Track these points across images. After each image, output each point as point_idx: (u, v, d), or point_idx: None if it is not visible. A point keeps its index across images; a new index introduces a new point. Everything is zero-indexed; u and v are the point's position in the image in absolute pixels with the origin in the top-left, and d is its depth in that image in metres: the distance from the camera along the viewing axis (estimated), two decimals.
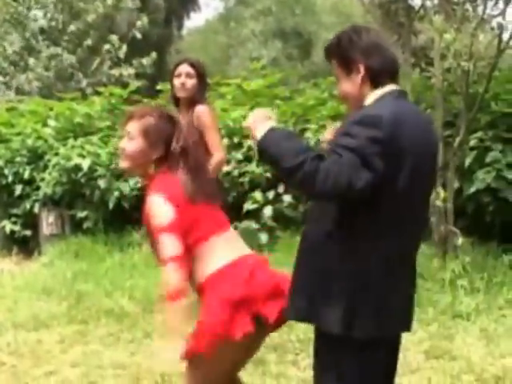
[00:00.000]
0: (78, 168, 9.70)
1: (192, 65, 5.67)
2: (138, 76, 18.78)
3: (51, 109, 11.58)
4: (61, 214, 10.10)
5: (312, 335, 5.64)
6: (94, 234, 9.72)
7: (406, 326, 3.03)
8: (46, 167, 10.29)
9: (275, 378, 5.13)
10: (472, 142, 7.65)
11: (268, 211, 8.56)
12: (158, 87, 10.51)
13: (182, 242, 3.15)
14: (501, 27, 7.75)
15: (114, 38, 19.07)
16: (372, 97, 2.99)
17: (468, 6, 7.86)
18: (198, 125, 5.59)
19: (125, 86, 15.71)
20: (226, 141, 8.54)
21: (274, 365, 5.37)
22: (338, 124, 3.39)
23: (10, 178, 10.50)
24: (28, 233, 10.53)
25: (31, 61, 17.98)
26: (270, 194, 8.59)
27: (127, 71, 18.86)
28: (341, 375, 2.94)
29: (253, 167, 8.61)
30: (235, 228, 8.21)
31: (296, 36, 33.59)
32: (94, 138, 10.24)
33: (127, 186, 9.48)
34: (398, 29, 8.40)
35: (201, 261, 3.28)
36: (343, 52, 3.04)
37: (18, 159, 10.56)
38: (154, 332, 6.05)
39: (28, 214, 10.42)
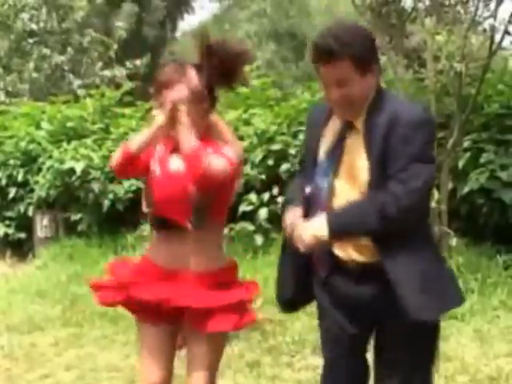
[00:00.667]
0: (71, 171, 9.69)
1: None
2: (130, 77, 18.71)
3: (44, 112, 11.57)
4: (55, 217, 10.09)
5: (307, 337, 5.67)
6: (88, 236, 9.72)
7: None
8: (39, 170, 10.28)
9: (270, 380, 5.14)
10: (466, 144, 7.66)
11: (263, 213, 8.56)
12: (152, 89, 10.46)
13: None
14: (492, 29, 7.77)
15: (104, 38, 19.04)
16: (371, 98, 2.92)
17: (459, 7, 7.87)
18: None
19: (118, 86, 15.72)
20: None
21: (269, 367, 5.38)
22: None
23: (4, 181, 10.50)
24: (22, 235, 10.52)
25: (21, 63, 17.93)
26: (265, 196, 8.59)
27: (120, 72, 18.79)
28: (433, 357, 3.09)
29: (247, 170, 8.61)
30: (231, 230, 8.26)
31: (290, 38, 33.58)
32: (88, 141, 10.23)
33: (121, 189, 9.48)
34: (390, 31, 8.40)
35: None
36: (360, 51, 2.81)
37: (11, 162, 10.55)
38: None
39: (22, 216, 10.41)
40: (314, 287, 3.17)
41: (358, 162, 2.89)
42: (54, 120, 11.08)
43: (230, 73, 3.31)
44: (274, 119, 9.10)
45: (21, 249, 10.45)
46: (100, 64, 18.75)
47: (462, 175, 7.60)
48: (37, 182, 10.20)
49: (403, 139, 2.79)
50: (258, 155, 8.74)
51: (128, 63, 19.23)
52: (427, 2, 8.07)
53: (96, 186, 9.58)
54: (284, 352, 5.67)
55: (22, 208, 10.40)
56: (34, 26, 18.61)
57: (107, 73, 18.60)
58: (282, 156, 8.78)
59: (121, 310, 6.74)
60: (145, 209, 3.45)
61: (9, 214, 10.58)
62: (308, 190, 3.03)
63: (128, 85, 13.58)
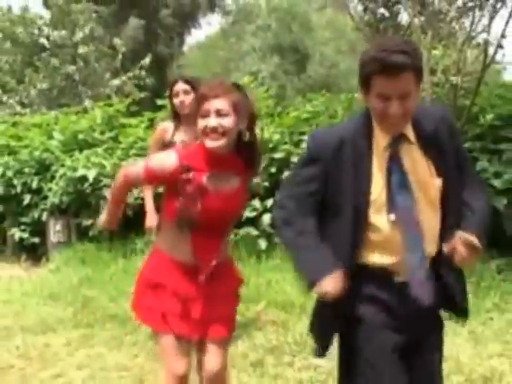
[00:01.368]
0: (84, 178, 9.71)
1: (187, 82, 5.59)
2: (140, 87, 18.73)
3: (56, 122, 11.61)
4: (67, 223, 10.10)
5: (308, 338, 5.66)
6: (99, 241, 9.72)
7: None
8: (53, 178, 10.30)
9: (273, 379, 5.13)
10: None
11: (266, 218, 8.55)
12: (159, 102, 10.49)
13: None
14: (486, 43, 7.78)
15: (107, 50, 19.09)
16: None
17: (454, 23, 7.89)
18: None
19: (127, 96, 15.75)
20: None
21: (272, 366, 5.36)
22: None
23: (19, 188, 10.51)
24: (36, 240, 10.53)
25: (33, 75, 17.97)
26: (269, 203, 8.57)
27: (127, 80, 18.77)
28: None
29: None
30: (235, 234, 8.26)
31: (293, 51, 33.65)
32: (99, 150, 10.25)
33: (131, 196, 9.48)
34: None
35: None
36: (420, 65, 2.77)
37: (26, 170, 10.57)
38: None
39: (36, 222, 10.43)
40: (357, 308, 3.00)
41: (424, 174, 2.88)
42: (65, 130, 11.10)
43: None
44: (275, 128, 9.10)
45: (35, 253, 10.46)
46: (108, 74, 18.77)
47: None
48: (50, 189, 10.21)
49: (456, 136, 2.97)
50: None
51: (134, 70, 19.22)
52: (422, 18, 8.09)
53: (107, 193, 9.58)
54: (286, 352, 5.66)
55: (36, 214, 10.41)
56: (44, 41, 18.70)
57: (116, 82, 18.61)
58: (284, 164, 8.78)
59: (129, 312, 6.77)
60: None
61: (24, 219, 10.59)
62: (392, 217, 2.86)
63: (136, 95, 13.58)
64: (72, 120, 11.35)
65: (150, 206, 5.76)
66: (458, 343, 5.63)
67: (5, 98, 17.70)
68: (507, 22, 7.70)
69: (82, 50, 18.38)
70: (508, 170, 7.40)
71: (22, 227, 10.61)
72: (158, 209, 6.00)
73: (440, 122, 2.90)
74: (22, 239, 10.55)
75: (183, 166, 3.33)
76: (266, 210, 8.58)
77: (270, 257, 8.16)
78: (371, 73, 2.75)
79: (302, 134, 9.06)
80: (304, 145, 8.70)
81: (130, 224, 9.47)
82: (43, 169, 10.57)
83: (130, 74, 18.69)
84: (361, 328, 2.98)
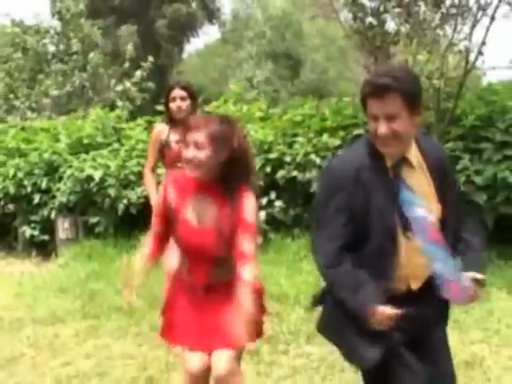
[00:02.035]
0: (90, 178, 9.71)
1: (183, 88, 5.62)
2: (142, 91, 18.78)
3: (62, 127, 11.66)
4: (75, 220, 10.10)
5: (302, 327, 5.70)
6: (105, 237, 9.73)
7: None
8: (61, 178, 10.30)
9: (268, 366, 5.15)
10: None
11: (261, 216, 8.58)
12: (159, 108, 10.50)
13: None
14: (467, 50, 7.81)
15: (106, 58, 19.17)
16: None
17: (438, 31, 7.91)
18: None
19: (131, 100, 15.77)
20: None
21: (268, 354, 5.39)
22: None
23: (29, 189, 10.50)
24: (46, 237, 10.52)
25: (43, 82, 17.98)
26: (263, 201, 8.60)
27: (131, 86, 18.82)
28: None
29: None
30: None
31: (286, 58, 33.68)
32: (104, 152, 10.26)
33: (134, 194, 9.49)
34: (375, 52, 8.44)
35: None
36: (413, 90, 2.80)
37: (36, 171, 10.56)
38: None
39: (46, 220, 10.42)
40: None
41: (428, 196, 2.94)
42: (71, 134, 11.12)
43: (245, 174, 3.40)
44: (270, 131, 9.12)
45: (45, 249, 10.45)
46: (113, 80, 18.79)
47: None
48: (58, 189, 10.21)
49: (449, 169, 3.06)
50: (256, 163, 8.76)
51: (136, 73, 19.22)
52: (408, 26, 8.12)
53: (112, 192, 9.59)
54: (281, 341, 5.68)
55: (45, 212, 10.40)
56: (53, 49, 18.71)
57: (120, 87, 18.63)
58: (278, 164, 8.80)
59: (134, 304, 6.79)
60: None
61: (34, 217, 10.58)
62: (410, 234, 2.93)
63: (139, 97, 13.57)
64: (77, 124, 11.39)
65: (153, 198, 5.71)
66: None
67: (17, 103, 17.68)
68: (487, 31, 7.73)
69: (91, 56, 18.42)
70: (488, 168, 7.44)
71: (32, 225, 10.60)
72: None
73: (443, 153, 3.03)
74: (32, 236, 10.54)
75: (169, 188, 3.44)
76: (261, 208, 8.59)
77: (264, 251, 8.17)
78: (364, 95, 2.82)
79: (295, 135, 9.08)
80: (297, 146, 8.73)
81: (134, 221, 9.50)
82: (52, 170, 10.56)
83: (134, 80, 18.70)
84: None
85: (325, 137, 8.68)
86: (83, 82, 18.14)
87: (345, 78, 29.33)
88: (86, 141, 10.75)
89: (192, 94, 5.62)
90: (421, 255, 2.89)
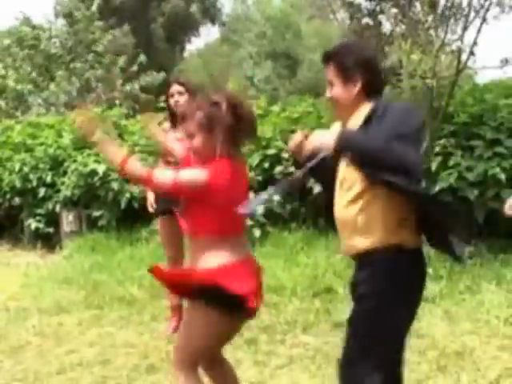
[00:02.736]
0: (93, 172, 9.72)
1: (181, 83, 5.61)
2: (145, 90, 18.82)
3: (67, 123, 11.69)
4: (79, 214, 10.11)
5: (298, 318, 5.72)
6: (108, 230, 9.74)
7: None
8: (65, 173, 10.30)
9: (266, 355, 5.16)
10: (437, 149, 7.70)
11: (260, 210, 8.58)
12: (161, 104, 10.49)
13: None
14: (459, 50, 7.81)
15: (122, 59, 19.12)
16: (367, 108, 2.97)
17: (431, 31, 7.91)
18: None
19: (135, 100, 15.78)
20: None
21: (265, 344, 5.41)
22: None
23: (35, 183, 10.51)
24: (50, 230, 10.53)
25: (57, 75, 17.99)
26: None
27: (138, 85, 18.88)
28: None
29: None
30: None
31: (285, 57, 33.66)
32: None
33: (137, 188, 9.50)
34: None
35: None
36: (343, 61, 2.98)
37: (41, 166, 10.56)
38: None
39: (50, 213, 10.42)
40: None
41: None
42: (75, 130, 11.14)
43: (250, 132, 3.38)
44: (268, 127, 9.11)
45: (49, 241, 10.46)
46: (121, 81, 18.83)
47: (433, 176, 7.63)
48: (63, 183, 10.21)
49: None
50: (255, 159, 8.76)
51: (147, 78, 19.26)
52: (403, 27, 8.12)
53: (115, 186, 9.60)
54: (278, 331, 5.69)
55: (50, 206, 10.41)
56: (59, 51, 18.74)
57: (127, 87, 18.67)
58: (276, 160, 8.81)
59: (136, 294, 6.81)
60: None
61: (39, 211, 10.58)
62: None
63: (142, 97, 13.55)
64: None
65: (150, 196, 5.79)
66: (434, 322, 5.67)
67: (30, 99, 17.69)
68: (479, 31, 7.73)
69: (101, 57, 18.53)
70: (479, 165, 7.44)
71: (38, 218, 10.60)
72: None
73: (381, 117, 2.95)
74: (37, 229, 10.54)
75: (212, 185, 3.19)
76: None
77: (263, 244, 8.19)
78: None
79: (293, 132, 9.08)
80: None
81: (136, 215, 9.51)
82: (56, 164, 10.57)
83: (142, 83, 18.81)
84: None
85: None
86: (92, 81, 18.16)
87: None
88: None
89: (189, 89, 5.58)
90: None
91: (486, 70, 7.82)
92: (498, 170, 7.30)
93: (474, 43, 7.78)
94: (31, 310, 6.70)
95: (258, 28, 35.10)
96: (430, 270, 6.65)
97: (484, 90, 8.45)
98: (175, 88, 5.58)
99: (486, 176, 7.38)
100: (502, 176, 7.25)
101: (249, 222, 8.42)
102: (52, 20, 20.67)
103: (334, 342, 4.95)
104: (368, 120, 2.95)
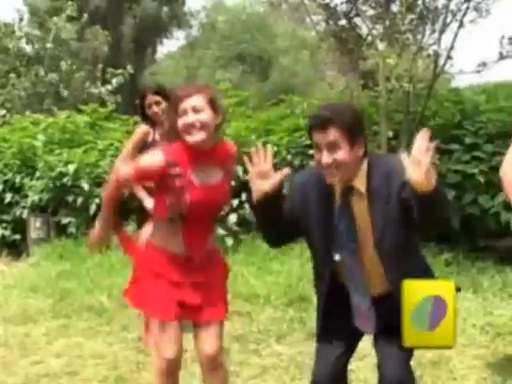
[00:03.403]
0: (62, 175, 9.67)
1: (156, 92, 5.57)
2: (114, 92, 18.77)
3: (38, 124, 11.63)
4: (47, 220, 10.04)
5: (271, 327, 5.69)
6: (77, 237, 9.66)
7: None
8: (33, 176, 10.25)
9: (238, 366, 5.13)
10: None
11: (233, 217, 8.56)
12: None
13: None
14: (436, 54, 7.88)
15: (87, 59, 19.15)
16: (365, 165, 3.01)
17: (408, 34, 7.95)
18: None
19: (102, 103, 15.77)
20: None
21: (237, 353, 5.38)
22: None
23: (1, 187, 10.44)
24: (17, 237, 10.45)
25: (17, 81, 17.90)
26: (235, 203, 8.57)
27: (105, 89, 18.82)
28: None
29: None
30: None
31: (257, 59, 33.75)
32: (78, 150, 10.21)
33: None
34: (348, 54, 8.48)
35: None
36: (349, 124, 2.92)
37: (8, 169, 10.51)
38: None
39: (17, 219, 10.36)
40: None
41: (366, 226, 3.04)
42: (48, 132, 11.09)
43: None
44: (245, 129, 9.10)
45: (16, 248, 10.38)
46: (88, 83, 18.77)
47: None
48: (31, 188, 10.14)
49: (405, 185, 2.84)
50: None
51: (114, 80, 19.18)
52: (381, 29, 8.16)
53: (84, 189, 9.55)
54: (251, 340, 5.67)
55: (17, 212, 10.34)
56: (28, 49, 18.65)
57: (94, 90, 18.62)
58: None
59: (105, 303, 6.75)
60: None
61: (5, 217, 10.51)
62: (337, 257, 3.10)
63: (111, 99, 13.50)
64: (57, 122, 11.38)
65: (143, 194, 5.60)
66: None
67: None
68: (456, 36, 7.80)
69: (63, 62, 18.47)
70: (457, 168, 7.50)
71: (4, 225, 10.52)
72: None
73: (391, 174, 2.96)
74: (3, 236, 10.46)
75: (170, 162, 3.35)
76: (232, 210, 8.58)
77: (235, 252, 8.17)
78: (310, 128, 3.01)
79: (269, 134, 9.11)
80: (268, 146, 8.71)
81: None
82: (25, 167, 10.52)
83: (110, 88, 18.73)
84: None
85: (296, 135, 8.73)
86: (56, 83, 18.09)
87: (313, 81, 29.42)
88: (65, 136, 10.74)
89: (165, 95, 5.53)
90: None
91: (463, 74, 7.85)
92: (476, 173, 7.37)
93: (451, 47, 7.85)
94: None
95: (228, 30, 35.16)
96: None
97: (463, 94, 8.52)
98: (151, 99, 5.53)
99: (463, 180, 7.44)
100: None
101: (221, 232, 8.39)
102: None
103: (308, 352, 4.92)
104: (369, 176, 3.02)
